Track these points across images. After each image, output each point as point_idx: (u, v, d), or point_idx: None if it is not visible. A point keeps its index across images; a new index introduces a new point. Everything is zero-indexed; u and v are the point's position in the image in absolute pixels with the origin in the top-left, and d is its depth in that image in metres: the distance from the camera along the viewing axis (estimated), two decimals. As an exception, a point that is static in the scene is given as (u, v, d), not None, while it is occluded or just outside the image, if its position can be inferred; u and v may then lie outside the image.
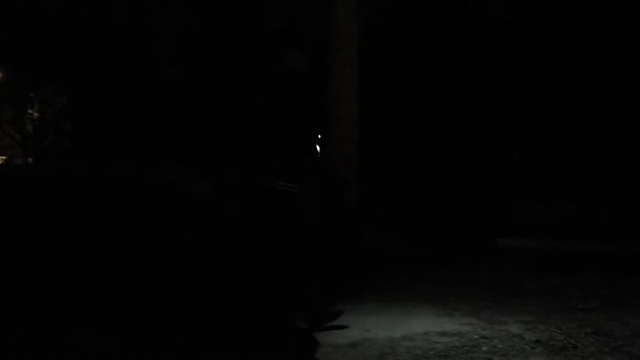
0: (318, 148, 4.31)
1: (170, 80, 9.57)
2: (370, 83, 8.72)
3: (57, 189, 3.57)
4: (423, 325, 4.74)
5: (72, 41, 10.96)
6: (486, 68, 10.05)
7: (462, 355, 4.00)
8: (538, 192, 8.97)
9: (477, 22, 9.50)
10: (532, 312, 5.24)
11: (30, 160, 12.66)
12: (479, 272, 7.32)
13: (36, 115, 12.50)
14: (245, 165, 4.02)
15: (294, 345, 4.07)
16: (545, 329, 4.67)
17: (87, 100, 11.56)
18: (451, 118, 10.30)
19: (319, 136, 4.23)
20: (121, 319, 3.27)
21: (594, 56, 9.66)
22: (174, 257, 3.33)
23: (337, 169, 6.86)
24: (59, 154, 12.74)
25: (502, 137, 10.31)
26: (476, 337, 4.44)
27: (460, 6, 9.06)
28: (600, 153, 9.67)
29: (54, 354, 3.34)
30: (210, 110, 9.99)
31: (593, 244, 7.43)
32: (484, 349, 4.15)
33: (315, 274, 4.29)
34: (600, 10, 9.37)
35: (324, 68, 7.03)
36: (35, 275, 3.36)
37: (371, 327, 4.65)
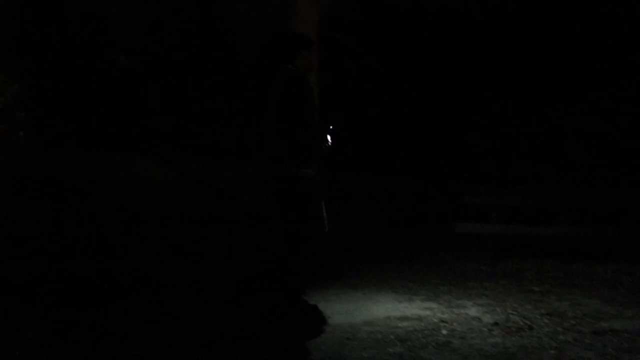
0: (329, 138, 4.48)
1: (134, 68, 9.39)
2: (331, 70, 8.74)
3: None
4: (383, 310, 4.81)
5: (23, 27, 10.64)
6: (442, 55, 10.13)
7: (422, 338, 4.08)
8: (494, 177, 9.16)
9: (433, 10, 9.58)
10: (490, 295, 5.38)
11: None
12: (438, 257, 7.45)
13: (-15, 104, 12.10)
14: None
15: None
16: (502, 311, 4.80)
17: (41, 89, 11.23)
18: (408, 104, 10.37)
19: (330, 126, 4.35)
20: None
21: (542, 40, 9.82)
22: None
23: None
24: (11, 145, 12.36)
25: (458, 121, 10.43)
26: (435, 320, 4.53)
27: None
28: (549, 138, 9.90)
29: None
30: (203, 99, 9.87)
31: (546, 228, 7.63)
32: (443, 332, 4.24)
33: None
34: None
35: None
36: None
37: (331, 313, 4.69)
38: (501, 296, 5.33)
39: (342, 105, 9.92)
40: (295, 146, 4.19)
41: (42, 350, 3.69)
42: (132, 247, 6.67)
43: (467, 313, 4.76)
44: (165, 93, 9.92)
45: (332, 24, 8.24)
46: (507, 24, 9.98)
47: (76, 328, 4.19)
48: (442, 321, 4.49)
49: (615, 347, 3.90)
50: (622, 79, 9.59)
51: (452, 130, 10.53)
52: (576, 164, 9.19)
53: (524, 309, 4.89)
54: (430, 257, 7.45)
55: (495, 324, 4.44)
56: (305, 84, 4.28)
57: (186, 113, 9.70)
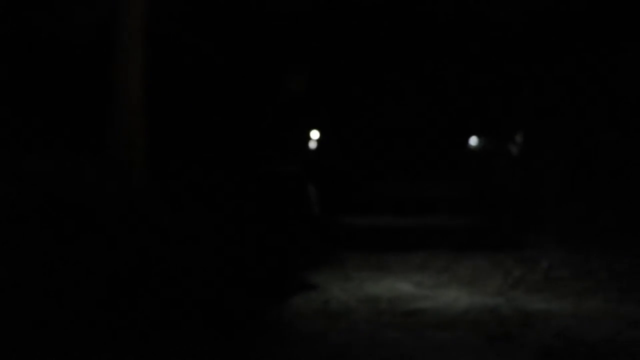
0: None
1: None
2: (162, 64, 8.50)
3: None
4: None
5: None
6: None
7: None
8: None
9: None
10: (313, 283, 5.65)
11: None
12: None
13: None
14: None
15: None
16: (324, 298, 5.09)
17: None
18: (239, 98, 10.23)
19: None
20: None
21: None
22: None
23: (121, 149, 6.72)
24: None
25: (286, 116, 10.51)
26: (266, 307, 4.68)
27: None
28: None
29: None
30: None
31: (364, 218, 8.12)
32: (270, 318, 4.41)
33: None
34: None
35: (110, 42, 6.76)
36: None
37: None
38: (324, 284, 5.62)
39: (175, 103, 9.66)
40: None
41: None
42: None
43: (292, 301, 4.98)
44: None
45: (164, 15, 8.01)
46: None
47: None
48: (272, 308, 4.65)
49: (421, 325, 4.33)
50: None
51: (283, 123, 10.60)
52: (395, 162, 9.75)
53: (344, 295, 5.23)
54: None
55: (319, 310, 4.71)
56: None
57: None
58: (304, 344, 3.91)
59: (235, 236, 7.25)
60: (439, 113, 9.20)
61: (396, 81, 9.48)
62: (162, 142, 9.07)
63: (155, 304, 4.74)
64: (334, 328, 4.24)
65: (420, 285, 5.60)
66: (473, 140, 9.16)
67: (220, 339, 3.99)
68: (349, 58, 9.42)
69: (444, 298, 5.13)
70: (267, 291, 5.31)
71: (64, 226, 5.45)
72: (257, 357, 3.68)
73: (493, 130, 9.19)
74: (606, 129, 8.84)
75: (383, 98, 9.59)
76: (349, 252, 7.36)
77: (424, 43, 9.14)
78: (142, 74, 6.95)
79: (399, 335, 4.10)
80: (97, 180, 6.74)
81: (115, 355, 3.64)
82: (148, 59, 6.95)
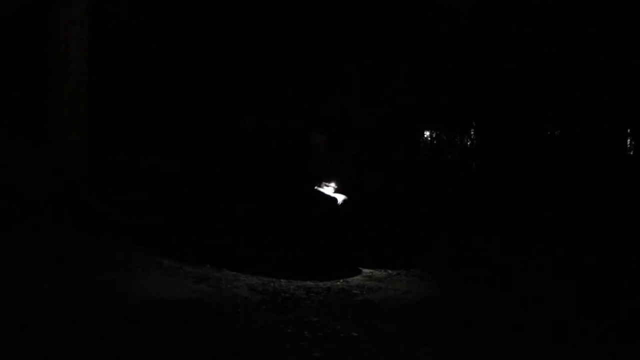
0: None
1: None
2: (106, 45, 8.14)
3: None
4: (154, 292, 4.64)
5: None
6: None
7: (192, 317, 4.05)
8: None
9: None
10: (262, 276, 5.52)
11: None
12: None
13: None
14: None
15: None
16: (271, 291, 4.95)
17: None
18: (183, 87, 9.79)
19: None
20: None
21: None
22: None
23: (63, 134, 6.40)
24: None
25: (232, 104, 10.08)
26: (208, 301, 4.50)
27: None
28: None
29: None
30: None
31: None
32: (213, 310, 4.24)
33: None
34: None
35: (47, 24, 6.41)
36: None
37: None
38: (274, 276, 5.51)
39: (122, 85, 9.23)
40: None
41: None
42: None
43: (238, 294, 4.83)
44: None
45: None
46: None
47: None
48: (215, 303, 4.49)
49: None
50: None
51: (228, 112, 10.20)
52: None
53: (291, 288, 5.11)
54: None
55: (263, 302, 4.60)
56: None
57: None
58: (254, 337, 3.75)
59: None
60: (390, 105, 9.09)
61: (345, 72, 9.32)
62: (122, 130, 8.69)
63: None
64: (283, 320, 4.11)
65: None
66: (426, 132, 9.14)
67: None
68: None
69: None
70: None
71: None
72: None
73: (446, 122, 9.16)
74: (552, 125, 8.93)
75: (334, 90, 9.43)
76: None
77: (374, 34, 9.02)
78: (85, 55, 6.62)
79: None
80: (35, 167, 6.41)
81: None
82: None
